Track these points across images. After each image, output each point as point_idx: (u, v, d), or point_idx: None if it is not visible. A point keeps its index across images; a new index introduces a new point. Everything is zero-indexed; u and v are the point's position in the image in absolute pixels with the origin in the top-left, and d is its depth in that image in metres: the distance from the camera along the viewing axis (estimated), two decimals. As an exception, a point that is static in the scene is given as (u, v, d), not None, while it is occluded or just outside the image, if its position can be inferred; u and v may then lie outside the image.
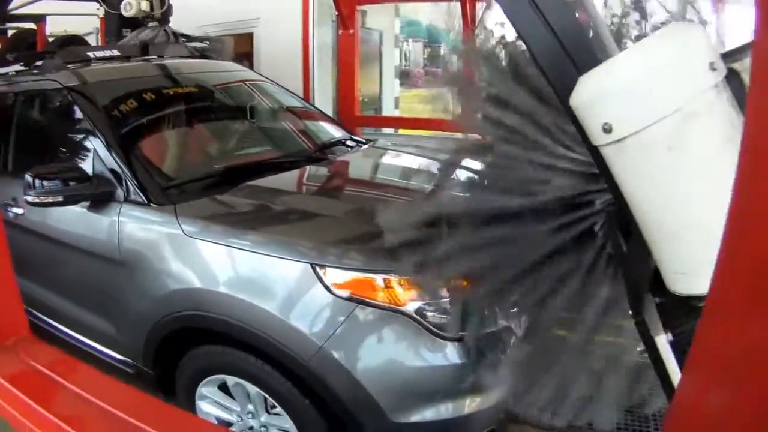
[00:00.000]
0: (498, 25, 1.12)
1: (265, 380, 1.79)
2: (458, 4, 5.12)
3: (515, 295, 1.10)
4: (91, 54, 2.95)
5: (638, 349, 1.00)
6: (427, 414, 1.66)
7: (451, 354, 1.66)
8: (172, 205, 2.06)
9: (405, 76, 7.37)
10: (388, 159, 2.96)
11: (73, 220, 2.29)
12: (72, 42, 4.87)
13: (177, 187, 2.21)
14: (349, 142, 2.95)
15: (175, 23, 4.31)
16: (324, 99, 5.99)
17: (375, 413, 1.65)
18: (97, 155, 2.28)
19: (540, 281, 1.05)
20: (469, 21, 5.01)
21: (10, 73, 3.10)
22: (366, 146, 2.96)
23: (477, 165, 1.14)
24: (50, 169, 2.22)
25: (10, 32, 5.67)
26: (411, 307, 1.67)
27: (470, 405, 1.69)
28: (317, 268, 1.70)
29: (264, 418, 1.88)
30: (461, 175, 1.17)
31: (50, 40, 5.50)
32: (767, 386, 0.59)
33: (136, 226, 2.08)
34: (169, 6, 4.27)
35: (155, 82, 2.78)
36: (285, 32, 6.10)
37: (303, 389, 1.73)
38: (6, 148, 2.79)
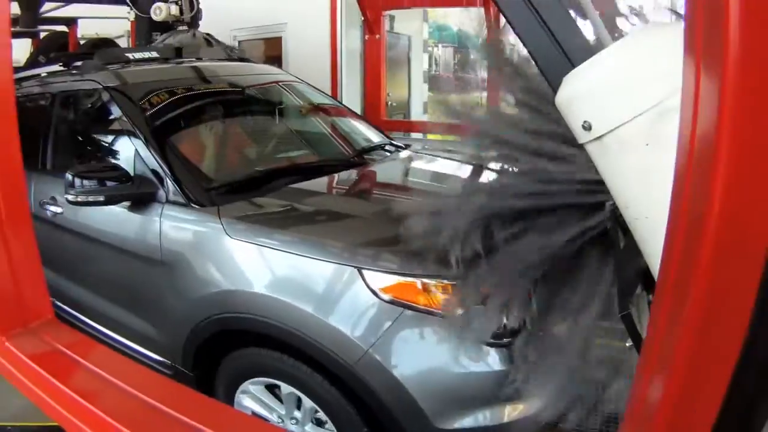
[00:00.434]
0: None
1: (310, 385, 1.76)
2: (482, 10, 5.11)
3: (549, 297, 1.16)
4: (129, 55, 2.95)
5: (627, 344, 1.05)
6: (468, 421, 1.63)
7: (493, 361, 1.63)
8: (214, 206, 2.05)
9: (434, 81, 7.33)
10: (427, 164, 2.93)
11: (113, 219, 2.29)
12: (104, 45, 4.93)
13: (219, 188, 2.20)
14: (387, 147, 2.93)
15: (205, 27, 4.34)
16: (352, 103, 5.99)
17: (419, 418, 1.63)
18: (138, 155, 2.28)
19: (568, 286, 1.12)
20: (493, 26, 4.98)
21: (43, 75, 3.12)
22: (405, 151, 2.93)
23: (498, 170, 1.21)
24: (91, 169, 2.22)
25: (42, 35, 5.73)
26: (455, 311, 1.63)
27: (510, 414, 1.65)
28: (362, 272, 1.68)
29: (308, 427, 1.84)
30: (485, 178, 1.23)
31: (81, 42, 5.56)
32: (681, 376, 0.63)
33: (178, 226, 2.07)
34: (199, 10, 4.30)
35: (194, 84, 2.78)
36: (313, 36, 6.13)
37: (346, 393, 1.70)
38: (44, 147, 2.81)
